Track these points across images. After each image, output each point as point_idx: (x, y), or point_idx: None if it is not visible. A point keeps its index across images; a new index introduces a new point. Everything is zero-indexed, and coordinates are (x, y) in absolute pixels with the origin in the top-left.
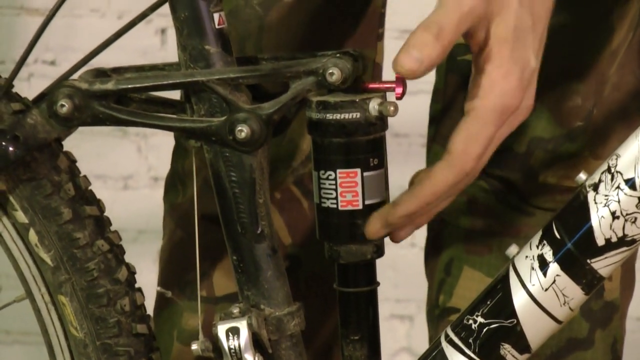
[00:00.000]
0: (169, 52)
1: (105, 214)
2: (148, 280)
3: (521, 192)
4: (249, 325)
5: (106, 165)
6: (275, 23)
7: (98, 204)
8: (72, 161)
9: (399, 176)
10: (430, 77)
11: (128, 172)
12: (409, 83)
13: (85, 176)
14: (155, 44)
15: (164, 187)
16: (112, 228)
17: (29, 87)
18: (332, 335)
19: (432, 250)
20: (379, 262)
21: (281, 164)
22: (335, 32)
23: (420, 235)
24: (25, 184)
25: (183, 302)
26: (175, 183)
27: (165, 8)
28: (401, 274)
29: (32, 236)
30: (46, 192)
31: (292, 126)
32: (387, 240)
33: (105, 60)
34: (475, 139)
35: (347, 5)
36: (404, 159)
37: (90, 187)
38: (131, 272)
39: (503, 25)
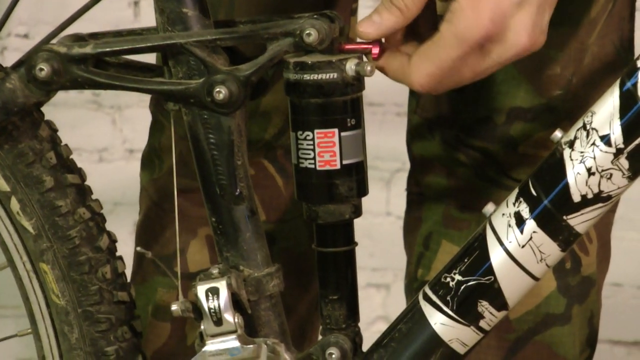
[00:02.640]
0: (142, 24)
1: None
2: (124, 252)
3: (500, 163)
4: (229, 286)
5: (81, 137)
6: None
7: (79, 172)
8: (54, 130)
9: (374, 145)
10: None
11: (103, 145)
12: None
13: (66, 145)
14: (128, 16)
15: (141, 163)
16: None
17: (2, 60)
18: (308, 311)
19: (411, 224)
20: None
21: (253, 137)
22: (307, 5)
23: (395, 204)
24: (6, 152)
25: (157, 278)
26: (152, 158)
27: None
28: (377, 242)
29: (14, 204)
30: (28, 160)
31: (265, 98)
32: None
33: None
34: (431, 60)
35: None
36: (379, 127)
37: (71, 156)
38: (112, 240)
39: None
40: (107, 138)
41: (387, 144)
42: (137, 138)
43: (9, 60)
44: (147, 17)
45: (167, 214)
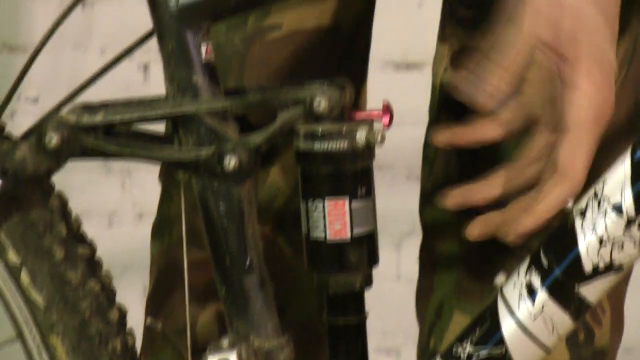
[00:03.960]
0: (151, 87)
1: None
2: (134, 315)
3: None
4: (239, 356)
5: (91, 201)
6: (257, 60)
7: (90, 244)
8: (64, 201)
9: (383, 207)
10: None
11: (112, 209)
12: None
13: (77, 216)
14: (138, 79)
15: (151, 233)
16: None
17: (12, 124)
18: None
19: (423, 292)
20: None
21: (262, 206)
22: (317, 73)
23: (405, 267)
24: (17, 224)
25: (167, 351)
26: (162, 229)
27: (148, 43)
28: (387, 305)
29: (24, 277)
30: (38, 231)
31: (275, 167)
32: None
33: (88, 96)
34: (581, 150)
35: (331, 47)
36: (388, 190)
37: (81, 227)
38: (122, 312)
39: (586, 42)
40: (116, 202)
41: (397, 206)
42: (147, 202)
43: (19, 124)
44: (157, 80)
45: (177, 286)
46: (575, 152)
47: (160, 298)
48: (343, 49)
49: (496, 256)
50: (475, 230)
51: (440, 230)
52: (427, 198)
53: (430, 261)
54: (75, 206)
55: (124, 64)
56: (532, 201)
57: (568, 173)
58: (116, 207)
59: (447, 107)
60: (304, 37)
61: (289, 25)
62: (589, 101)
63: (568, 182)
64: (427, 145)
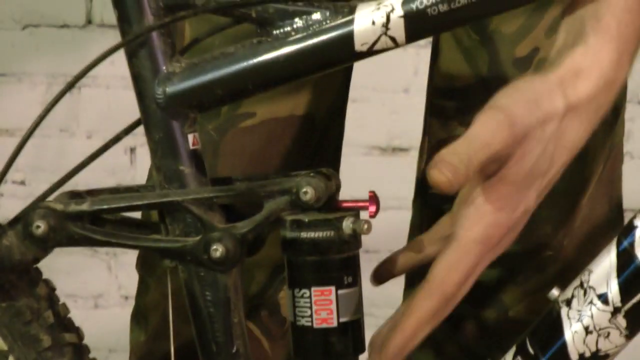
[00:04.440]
0: (138, 170)
1: None
2: None
3: (492, 330)
4: None
5: (76, 284)
6: (230, 148)
7: (77, 331)
8: (52, 289)
9: (369, 292)
10: (397, 192)
11: (98, 291)
12: None
13: (64, 303)
14: (125, 162)
15: (130, 322)
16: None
17: None
18: None
19: None
20: None
21: None
22: (291, 162)
23: None
24: (3, 311)
25: None
26: (138, 320)
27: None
28: None
29: None
30: (25, 319)
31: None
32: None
33: (74, 179)
34: (455, 268)
35: (305, 135)
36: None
37: (69, 315)
38: None
39: (517, 168)
40: (102, 284)
41: (382, 290)
42: (133, 284)
43: (5, 207)
44: (143, 163)
45: None
46: (451, 268)
47: None
48: (317, 137)
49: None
50: None
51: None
52: (412, 290)
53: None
54: (61, 288)
55: (111, 148)
56: (400, 317)
57: (438, 287)
58: (102, 289)
59: (428, 202)
60: (278, 125)
61: (262, 114)
62: (479, 220)
63: (434, 296)
64: (412, 235)
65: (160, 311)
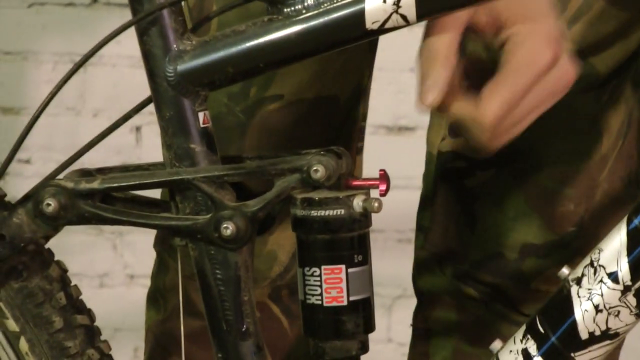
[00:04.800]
0: (143, 150)
1: None
2: None
3: (511, 299)
4: None
5: (82, 263)
6: (258, 128)
7: (89, 313)
8: (64, 270)
9: (375, 271)
10: (403, 172)
11: (104, 270)
12: None
13: (76, 285)
14: (130, 141)
15: (146, 301)
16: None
17: (3, 184)
18: None
19: (418, 358)
20: None
21: (259, 275)
22: (315, 142)
23: (396, 330)
24: (16, 292)
25: None
26: (157, 299)
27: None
28: None
29: (23, 345)
30: (37, 300)
31: (273, 236)
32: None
33: (80, 159)
34: (502, 90)
35: (329, 117)
36: (380, 254)
37: (81, 297)
38: None
39: (514, 5)
40: (108, 264)
41: (388, 270)
42: (138, 263)
43: (11, 185)
44: (149, 143)
45: (173, 356)
46: (497, 89)
47: None
48: (341, 118)
49: (494, 322)
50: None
51: (437, 298)
52: (422, 266)
53: (425, 328)
54: (67, 267)
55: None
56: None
57: (481, 108)
58: (107, 268)
59: (445, 176)
60: (304, 106)
61: (289, 95)
62: (526, 48)
63: (477, 108)
64: (422, 214)
65: (182, 290)
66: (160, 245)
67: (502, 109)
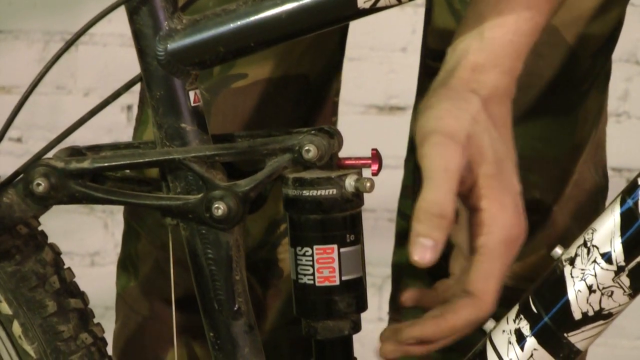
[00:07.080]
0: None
1: None
2: None
3: None
4: None
5: (73, 242)
6: (222, 109)
7: (82, 296)
8: (57, 253)
9: (365, 250)
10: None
11: (95, 249)
12: None
13: (69, 268)
14: (122, 120)
15: (117, 270)
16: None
17: None
18: None
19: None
20: None
21: None
22: (286, 120)
23: (386, 309)
24: (10, 276)
25: None
26: (126, 266)
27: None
28: (368, 349)
29: (16, 328)
30: (31, 284)
31: None
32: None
33: (70, 137)
34: (492, 275)
35: (299, 95)
36: (371, 233)
37: (74, 280)
38: None
39: (485, 164)
40: (99, 242)
41: (379, 249)
42: None
43: (2, 164)
44: None
45: (146, 321)
46: (487, 277)
47: (129, 334)
48: (312, 96)
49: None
50: (389, 346)
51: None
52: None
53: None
54: (58, 246)
55: (107, 106)
56: (443, 313)
57: (479, 297)
58: (98, 247)
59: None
60: (270, 85)
61: (254, 75)
62: (494, 221)
63: (478, 305)
64: (403, 201)
65: (151, 261)
66: (129, 213)
67: (498, 288)
